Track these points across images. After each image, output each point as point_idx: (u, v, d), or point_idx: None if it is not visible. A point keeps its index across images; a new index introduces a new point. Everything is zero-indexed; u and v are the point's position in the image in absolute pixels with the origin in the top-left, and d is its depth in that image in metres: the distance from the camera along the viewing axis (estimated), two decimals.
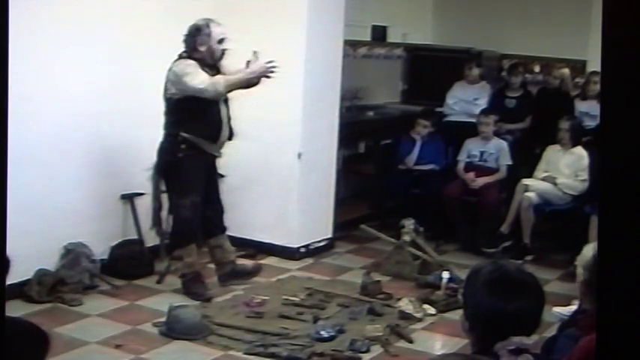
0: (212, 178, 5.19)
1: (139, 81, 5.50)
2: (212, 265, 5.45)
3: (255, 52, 4.90)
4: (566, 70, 7.51)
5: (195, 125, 4.89)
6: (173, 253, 5.22)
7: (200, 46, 4.89)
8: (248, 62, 4.92)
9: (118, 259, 5.41)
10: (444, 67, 7.95)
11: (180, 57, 4.94)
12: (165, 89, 4.92)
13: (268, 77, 4.90)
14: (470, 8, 8.42)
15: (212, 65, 4.93)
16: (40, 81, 4.84)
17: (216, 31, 4.91)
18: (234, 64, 5.00)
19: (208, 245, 5.36)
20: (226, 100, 5.08)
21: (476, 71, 7.36)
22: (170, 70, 4.91)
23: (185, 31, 4.95)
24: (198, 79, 4.79)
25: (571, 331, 2.62)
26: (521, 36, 8.05)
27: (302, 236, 6.14)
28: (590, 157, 6.18)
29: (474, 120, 6.91)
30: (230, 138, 5.13)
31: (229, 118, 5.09)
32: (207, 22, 4.93)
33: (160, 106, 5.54)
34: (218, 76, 4.83)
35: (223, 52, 4.95)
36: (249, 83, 4.95)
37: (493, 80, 7.73)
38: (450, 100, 7.41)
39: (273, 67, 4.85)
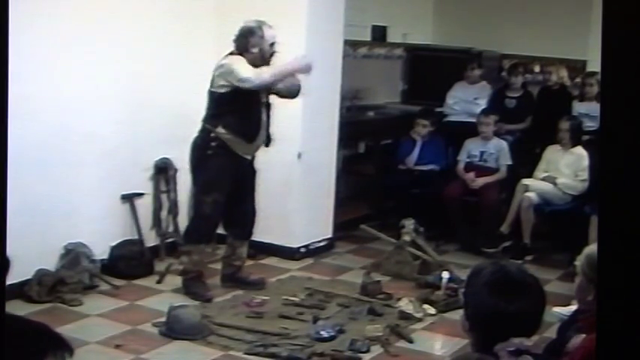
0: (246, 179, 5.17)
1: (140, 81, 5.51)
2: (214, 266, 5.44)
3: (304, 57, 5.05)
4: (563, 71, 7.52)
5: (232, 121, 4.90)
6: (183, 246, 5.22)
7: (253, 47, 4.93)
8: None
9: (118, 259, 5.41)
10: (444, 67, 7.95)
11: (231, 54, 4.96)
12: (212, 83, 4.94)
13: (308, 73, 5.01)
14: (470, 8, 8.42)
15: (260, 66, 4.95)
16: (40, 81, 4.84)
17: (269, 34, 4.96)
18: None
19: (227, 240, 5.38)
20: (268, 106, 5.10)
21: (477, 72, 7.37)
22: (219, 64, 4.93)
23: (236, 32, 4.97)
24: (244, 70, 4.82)
25: (573, 327, 2.62)
26: (521, 36, 8.04)
27: (302, 236, 6.14)
28: (590, 157, 6.18)
29: (474, 120, 6.91)
30: (267, 144, 5.13)
31: (268, 124, 5.10)
32: (260, 25, 4.96)
33: (161, 106, 5.56)
34: (262, 70, 4.86)
35: (272, 54, 4.99)
36: (292, 85, 5.04)
37: (493, 80, 7.73)
38: (450, 100, 7.42)
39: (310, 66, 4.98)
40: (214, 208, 5.01)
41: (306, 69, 4.99)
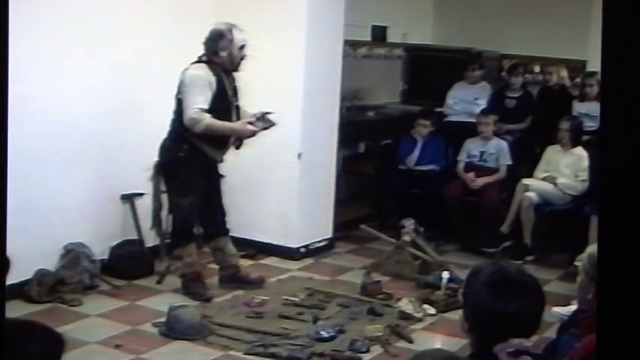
0: (213, 179, 5.19)
1: (140, 81, 5.51)
2: (213, 266, 5.44)
3: (263, 114, 4.99)
4: (563, 71, 7.52)
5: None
6: (173, 253, 5.23)
7: (221, 51, 4.91)
8: (260, 116, 5.00)
9: (118, 259, 5.41)
10: (444, 67, 7.94)
11: (200, 60, 4.93)
12: (178, 90, 4.92)
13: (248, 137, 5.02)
14: (470, 8, 8.42)
15: (230, 70, 4.97)
16: (40, 81, 4.84)
17: (239, 38, 4.93)
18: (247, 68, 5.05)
19: (210, 247, 5.36)
20: (237, 108, 5.09)
21: (478, 72, 7.37)
22: (184, 72, 4.90)
23: (207, 35, 4.95)
24: (193, 103, 4.78)
25: (573, 330, 2.62)
26: (521, 36, 8.04)
27: (302, 236, 6.14)
28: (590, 158, 6.18)
29: (474, 120, 6.91)
30: (238, 147, 5.11)
31: None
32: (230, 28, 4.93)
33: (160, 106, 5.54)
34: (205, 117, 4.79)
35: (242, 58, 4.98)
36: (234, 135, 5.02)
37: (493, 80, 7.73)
38: (450, 100, 7.41)
39: (255, 132, 4.95)
40: (191, 210, 5.03)
41: (247, 134, 4.97)
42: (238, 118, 5.07)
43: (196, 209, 5.05)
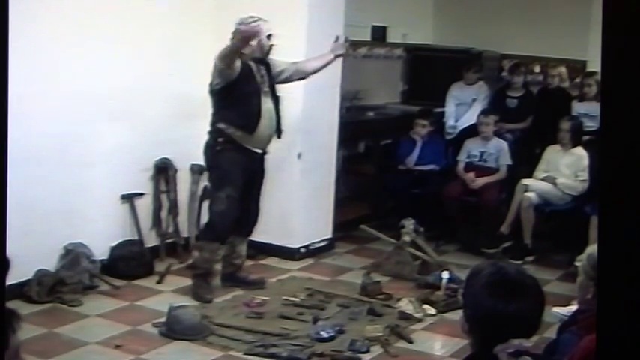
0: (255, 178, 5.22)
1: (140, 81, 5.51)
2: (217, 266, 5.44)
3: (337, 37, 5.37)
4: (563, 69, 7.52)
5: (230, 114, 4.96)
6: (197, 241, 5.29)
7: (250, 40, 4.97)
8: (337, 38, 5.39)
9: (118, 259, 5.41)
10: (444, 68, 7.95)
11: None
12: (210, 82, 4.98)
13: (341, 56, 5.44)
14: (470, 8, 8.42)
15: (261, 59, 5.07)
16: (40, 81, 4.84)
17: (265, 27, 5.02)
18: None
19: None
20: (277, 96, 5.13)
21: (476, 74, 7.38)
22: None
23: (234, 26, 4.97)
24: (219, 51, 4.86)
25: (573, 330, 2.62)
26: (521, 36, 8.04)
27: (302, 236, 6.14)
28: (590, 158, 6.18)
29: (473, 121, 6.92)
30: (279, 136, 5.17)
31: (278, 115, 5.13)
32: (256, 20, 5.00)
33: (161, 106, 5.57)
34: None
35: (271, 47, 5.08)
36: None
37: (493, 80, 7.73)
38: (449, 107, 7.40)
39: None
40: (229, 204, 5.02)
41: (252, 32, 4.89)
42: (277, 107, 5.11)
43: (235, 203, 5.04)
